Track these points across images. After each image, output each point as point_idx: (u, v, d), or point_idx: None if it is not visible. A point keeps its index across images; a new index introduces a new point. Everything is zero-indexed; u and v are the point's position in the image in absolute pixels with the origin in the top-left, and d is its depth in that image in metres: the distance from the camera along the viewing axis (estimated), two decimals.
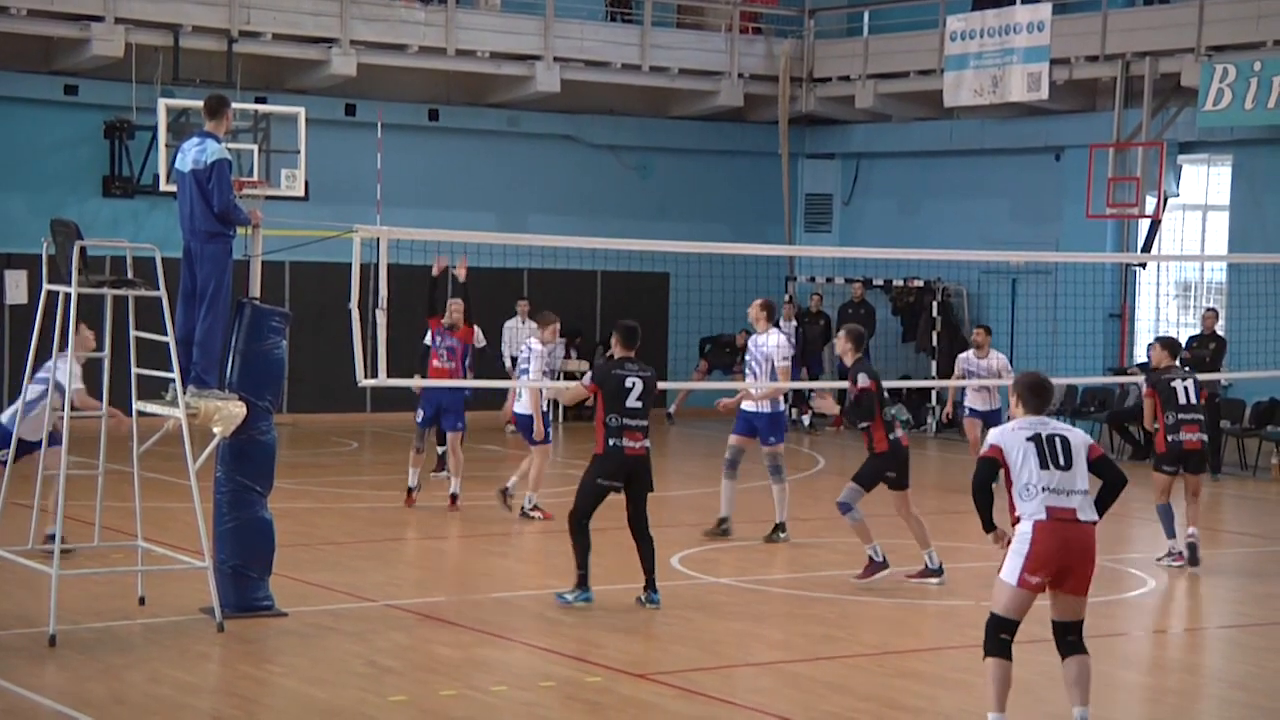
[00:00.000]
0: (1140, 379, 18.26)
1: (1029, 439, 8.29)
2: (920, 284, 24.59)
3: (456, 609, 11.24)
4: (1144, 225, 22.29)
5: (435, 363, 15.59)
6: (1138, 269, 22.96)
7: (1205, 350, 20.34)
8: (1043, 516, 8.13)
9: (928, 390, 24.21)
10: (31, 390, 11.50)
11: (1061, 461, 8.22)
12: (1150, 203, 21.68)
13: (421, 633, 10.55)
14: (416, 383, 15.07)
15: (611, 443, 11.34)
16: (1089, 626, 8.39)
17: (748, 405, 14.26)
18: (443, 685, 9.31)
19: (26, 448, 11.76)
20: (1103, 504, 8.36)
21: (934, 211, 25.23)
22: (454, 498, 15.53)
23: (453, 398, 15.59)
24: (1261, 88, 19.98)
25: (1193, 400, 13.47)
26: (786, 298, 25.42)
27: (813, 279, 25.96)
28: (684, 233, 22.55)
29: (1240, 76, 20.17)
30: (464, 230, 17.00)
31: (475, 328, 16.67)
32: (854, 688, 9.44)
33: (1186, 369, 13.82)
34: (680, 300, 24.42)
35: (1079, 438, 8.40)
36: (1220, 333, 20.70)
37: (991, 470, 8.29)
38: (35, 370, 11.32)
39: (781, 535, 14.14)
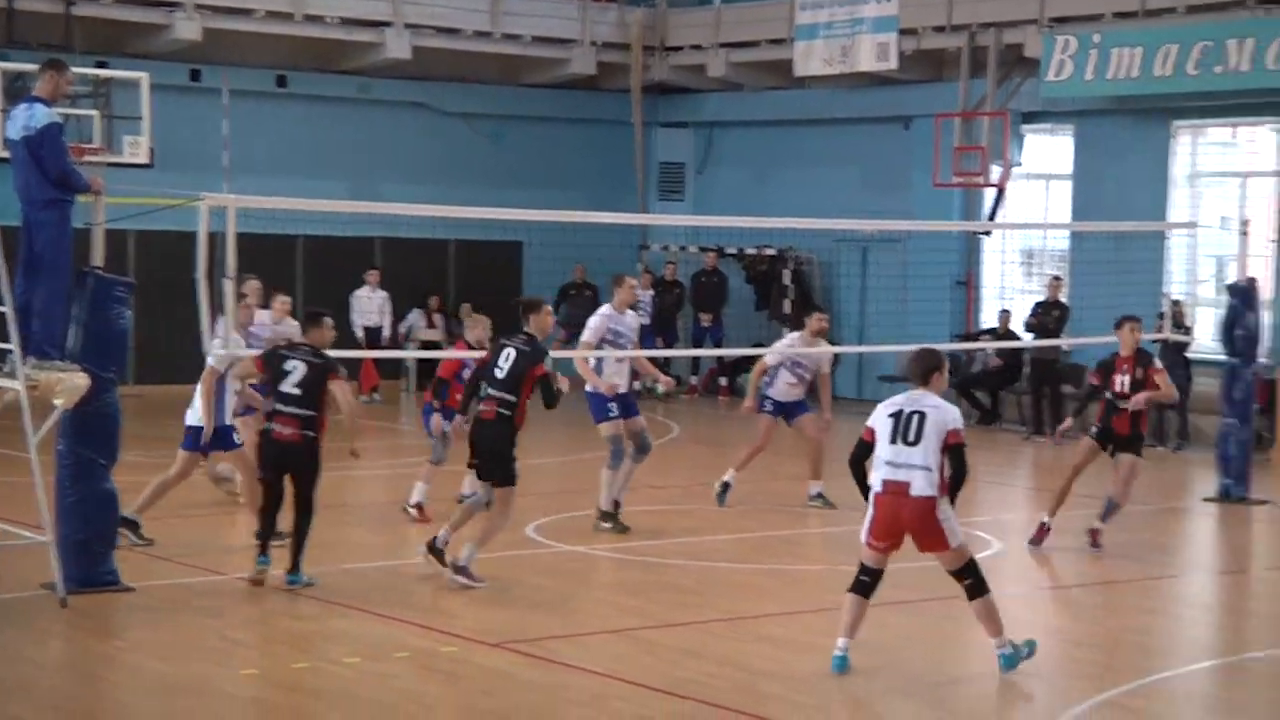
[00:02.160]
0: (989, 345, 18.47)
1: (890, 414, 8.83)
2: (773, 252, 24.75)
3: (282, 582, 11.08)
4: (989, 194, 22.64)
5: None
6: (983, 237, 23.32)
7: (1049, 317, 20.73)
8: (879, 489, 8.83)
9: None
10: None
11: (910, 438, 8.72)
12: (995, 171, 22.04)
13: (273, 605, 10.40)
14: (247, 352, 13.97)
15: (265, 427, 10.84)
16: (937, 588, 8.53)
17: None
18: (295, 658, 9.19)
19: None
20: (951, 491, 8.85)
21: (786, 180, 25.39)
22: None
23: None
24: (1102, 59, 20.36)
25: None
26: (642, 267, 25.46)
27: (666, 247, 26.01)
28: (537, 201, 22.40)
29: (1081, 48, 20.53)
30: (314, 199, 16.74)
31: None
32: (709, 653, 9.49)
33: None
34: (534, 269, 24.35)
35: (940, 419, 8.76)
36: (1063, 300, 21.10)
37: (864, 450, 8.95)
38: None
39: (604, 525, 13.20)
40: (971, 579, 8.99)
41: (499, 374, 10.94)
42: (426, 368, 24.55)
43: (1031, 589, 11.96)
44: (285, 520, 10.85)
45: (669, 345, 24.20)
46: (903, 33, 22.59)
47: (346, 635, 9.77)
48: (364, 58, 23.92)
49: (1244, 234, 16.46)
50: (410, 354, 23.75)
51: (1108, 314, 19.68)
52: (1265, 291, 19.06)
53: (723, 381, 24.95)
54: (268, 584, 10.76)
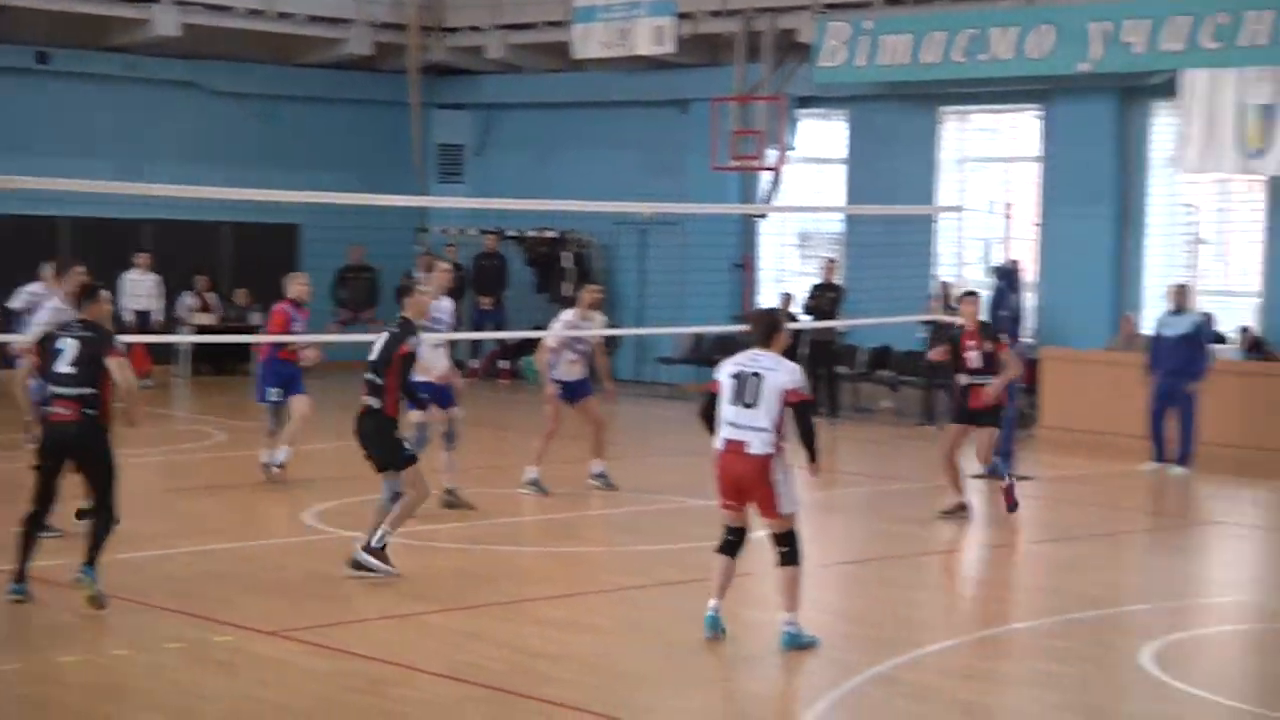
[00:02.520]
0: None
1: (732, 375, 9.16)
2: (553, 235, 24.78)
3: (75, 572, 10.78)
4: (766, 177, 22.98)
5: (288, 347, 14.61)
6: (760, 220, 23.66)
7: (825, 299, 21.14)
8: (721, 448, 9.14)
9: None
10: None
11: (748, 399, 9.05)
12: (771, 156, 22.37)
13: (38, 596, 10.08)
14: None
15: (42, 412, 10.07)
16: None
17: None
18: (61, 652, 8.93)
19: None
20: (809, 449, 9.20)
21: (566, 163, 25.43)
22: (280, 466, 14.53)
23: (298, 370, 14.79)
24: (873, 46, 20.81)
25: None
26: (422, 250, 25.28)
27: (445, 230, 25.86)
28: (313, 183, 22.04)
29: (853, 34, 20.96)
30: (77, 179, 16.24)
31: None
32: (488, 636, 9.48)
33: None
34: (311, 251, 24.00)
35: (776, 381, 9.05)
36: (838, 281, 21.53)
37: (711, 401, 9.23)
38: None
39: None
40: (789, 548, 9.26)
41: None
42: (201, 352, 24.09)
43: (809, 566, 12.18)
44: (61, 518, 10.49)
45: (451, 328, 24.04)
46: (680, 16, 22.79)
47: (116, 627, 9.52)
48: (131, 34, 23.28)
49: (1008, 217, 16.99)
50: (183, 338, 23.22)
51: (881, 296, 20.27)
52: (1029, 273, 19.72)
53: (503, 365, 24.92)
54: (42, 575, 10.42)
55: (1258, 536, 14.16)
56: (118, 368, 9.89)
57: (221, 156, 24.23)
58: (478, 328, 24.55)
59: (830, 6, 21.71)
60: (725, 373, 9.22)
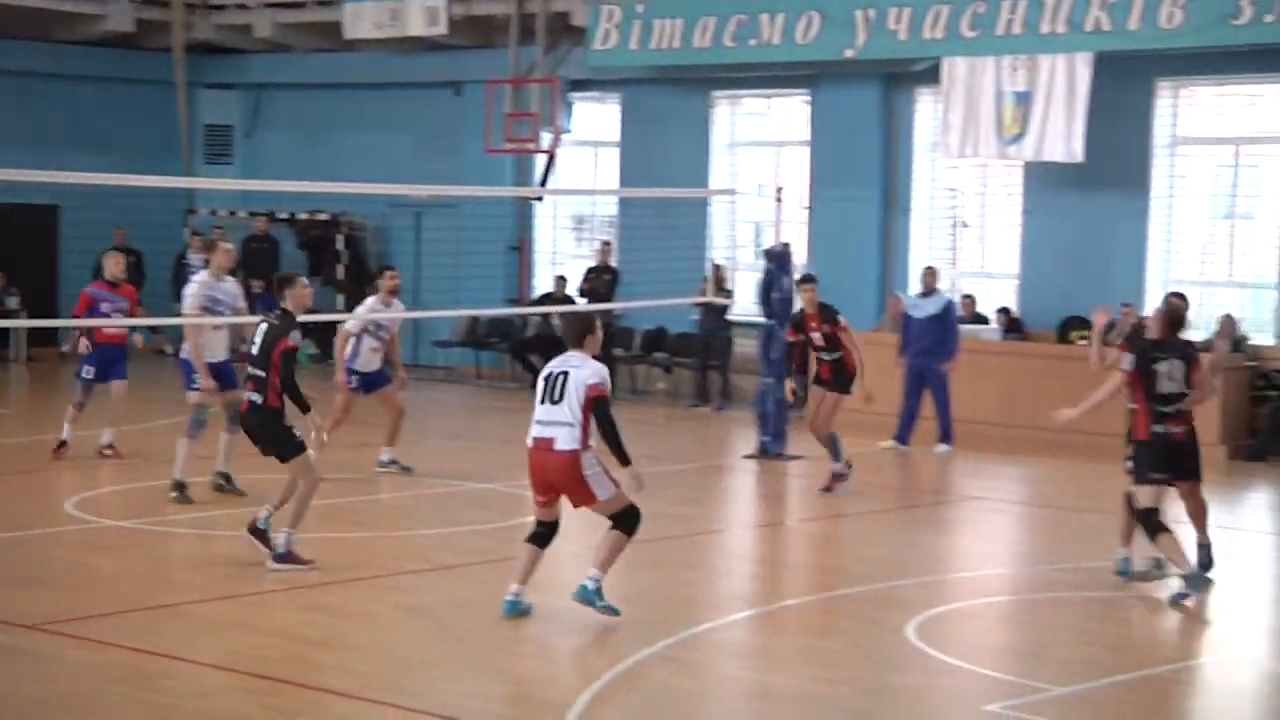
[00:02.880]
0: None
1: (545, 376, 9.38)
2: (326, 218, 24.44)
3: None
4: (541, 160, 22.97)
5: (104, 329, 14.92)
6: (535, 203, 23.66)
7: (600, 281, 21.23)
8: (531, 445, 9.36)
9: (335, 324, 24.12)
10: None
11: (556, 396, 9.27)
12: (546, 138, 22.36)
13: None
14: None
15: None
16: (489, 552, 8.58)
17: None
18: None
19: None
20: (613, 446, 9.27)
21: (338, 144, 25.09)
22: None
23: (119, 351, 15.20)
24: (644, 29, 20.95)
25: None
26: (190, 231, 24.72)
27: (214, 212, 25.31)
28: (74, 163, 21.35)
29: (626, 19, 21.07)
30: None
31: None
32: (261, 624, 9.34)
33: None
34: (72, 234, 23.28)
35: (580, 377, 9.26)
36: (613, 264, 21.64)
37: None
38: None
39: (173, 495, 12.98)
40: (622, 520, 9.47)
41: (252, 351, 10.73)
42: None
43: (584, 547, 12.24)
44: None
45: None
46: None
47: None
48: None
49: (779, 201, 17.27)
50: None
51: (655, 278, 20.42)
52: (799, 256, 20.08)
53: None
54: None
55: (1015, 511, 14.66)
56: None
57: None
58: (250, 311, 24.04)
59: None
60: (540, 379, 9.47)
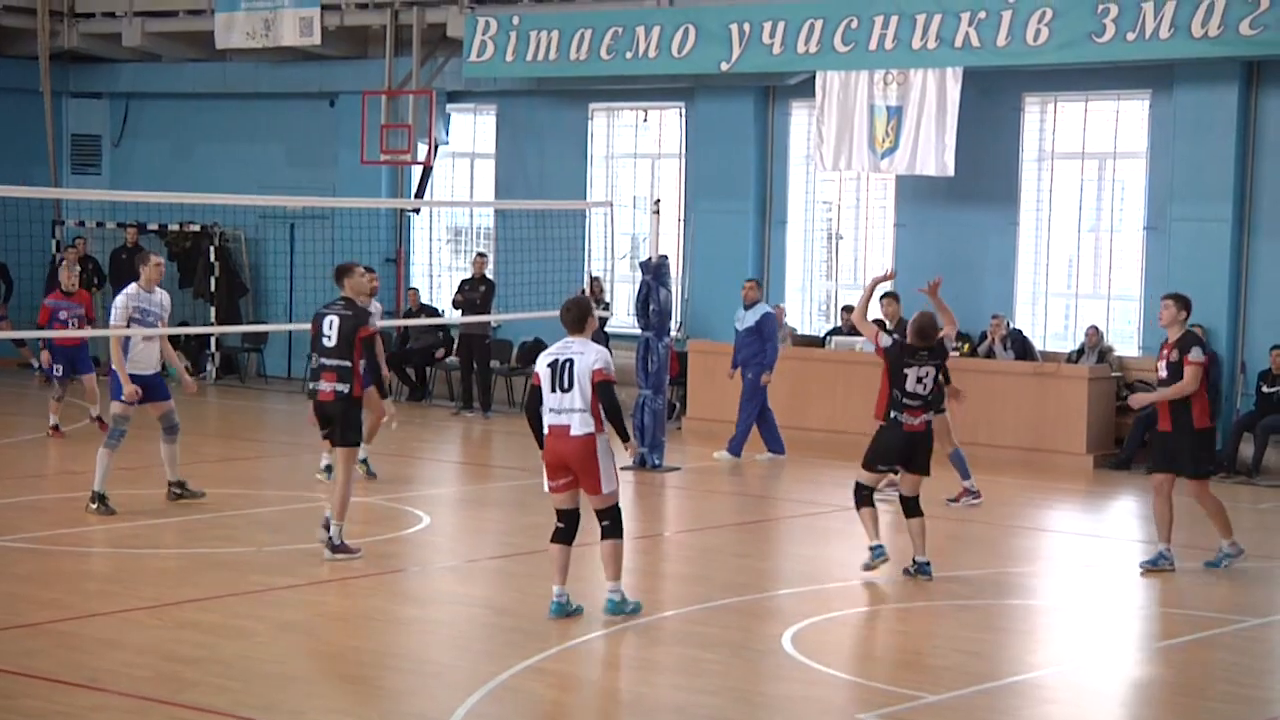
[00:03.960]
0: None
1: (549, 365, 9.75)
2: (197, 228, 24.14)
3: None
4: (417, 171, 22.88)
5: (62, 331, 16.95)
6: (412, 214, 23.56)
7: (476, 293, 21.18)
8: (547, 433, 9.77)
9: (206, 337, 23.88)
10: None
11: (565, 385, 9.70)
12: (422, 150, 22.27)
13: None
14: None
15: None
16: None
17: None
18: None
19: None
20: (616, 425, 9.81)
21: (210, 155, 24.81)
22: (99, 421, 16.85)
23: (80, 350, 17.37)
24: (521, 41, 20.95)
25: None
26: (58, 242, 24.29)
27: (82, 223, 24.90)
28: None
29: (501, 30, 21.06)
30: None
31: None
32: (130, 642, 9.20)
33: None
34: None
35: (585, 363, 9.71)
36: (490, 276, 21.60)
37: (537, 396, 9.79)
38: None
39: (93, 506, 13.00)
40: (610, 521, 9.92)
41: (330, 343, 11.33)
42: None
43: (461, 561, 12.22)
44: None
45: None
46: (325, 8, 22.51)
47: None
48: None
49: (656, 213, 17.35)
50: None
51: (533, 290, 20.44)
52: (676, 268, 20.19)
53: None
54: None
55: (888, 520, 14.81)
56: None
57: None
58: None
59: (478, 2, 21.76)
60: (541, 364, 9.80)
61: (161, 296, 13.36)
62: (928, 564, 11.55)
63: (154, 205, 23.04)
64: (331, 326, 11.44)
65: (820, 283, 21.15)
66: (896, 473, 11.76)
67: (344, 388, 11.35)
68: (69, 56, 25.10)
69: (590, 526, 10.15)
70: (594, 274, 19.92)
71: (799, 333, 20.44)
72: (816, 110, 19.41)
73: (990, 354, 18.64)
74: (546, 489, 10.03)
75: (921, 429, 11.54)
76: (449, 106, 23.09)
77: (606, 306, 19.86)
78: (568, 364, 9.73)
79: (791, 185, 21.04)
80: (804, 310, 21.16)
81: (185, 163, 24.91)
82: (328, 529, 11.47)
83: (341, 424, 11.41)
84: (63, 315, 17.16)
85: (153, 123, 25.62)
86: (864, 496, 11.57)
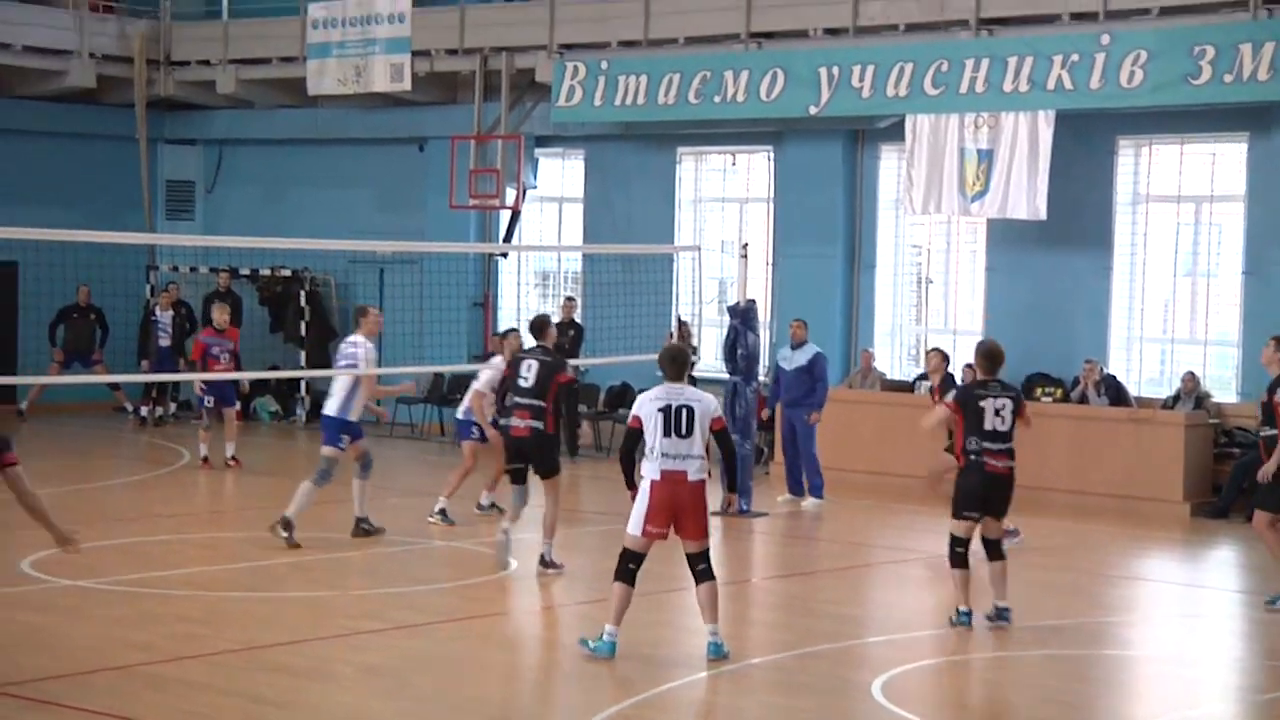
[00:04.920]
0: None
1: (660, 409, 9.92)
2: (288, 273, 24.43)
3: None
4: (505, 216, 23.03)
5: (216, 366, 18.57)
6: (499, 258, 23.70)
7: (564, 338, 21.23)
8: (657, 477, 9.90)
9: (297, 381, 24.12)
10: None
11: (684, 430, 9.89)
12: (510, 194, 22.42)
13: None
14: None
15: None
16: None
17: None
18: None
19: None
20: (728, 473, 10.40)
21: (300, 200, 25.12)
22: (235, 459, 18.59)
23: (229, 385, 19.21)
24: (609, 86, 21.05)
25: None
26: (152, 287, 24.65)
27: (176, 268, 25.28)
28: (34, 218, 21.33)
29: (590, 75, 21.18)
30: None
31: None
32: (219, 685, 9.27)
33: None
34: (32, 290, 23.18)
35: (704, 408, 9.99)
36: (578, 320, 21.67)
37: (635, 439, 10.00)
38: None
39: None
40: (707, 564, 10.09)
41: (527, 384, 12.34)
42: None
43: (548, 606, 12.21)
44: None
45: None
46: (416, 54, 22.75)
47: None
48: None
49: (744, 257, 17.34)
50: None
51: (620, 334, 20.49)
52: (764, 312, 20.15)
53: (236, 406, 24.33)
54: None
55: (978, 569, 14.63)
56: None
57: None
58: (237, 366, 23.97)
59: (567, 47, 21.92)
60: (651, 408, 9.97)
61: (369, 345, 14.53)
62: (1007, 610, 11.36)
63: (246, 250, 23.34)
64: (530, 370, 12.60)
65: (909, 328, 21.03)
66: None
67: (539, 424, 12.48)
68: (164, 104, 25.54)
69: (658, 572, 10.11)
70: (681, 318, 19.92)
71: (888, 377, 20.32)
72: (906, 153, 19.34)
73: (1083, 399, 18.44)
74: (638, 531, 9.98)
75: (1006, 472, 11.28)
76: (537, 151, 23.25)
77: (694, 351, 19.84)
78: (685, 410, 9.90)
79: (880, 229, 20.96)
80: (893, 355, 21.05)
81: (277, 208, 25.24)
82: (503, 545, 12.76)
83: (539, 458, 12.54)
84: (215, 350, 18.76)
85: (245, 169, 26.00)
86: (959, 556, 11.30)
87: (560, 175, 23.59)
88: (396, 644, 10.54)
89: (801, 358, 17.55)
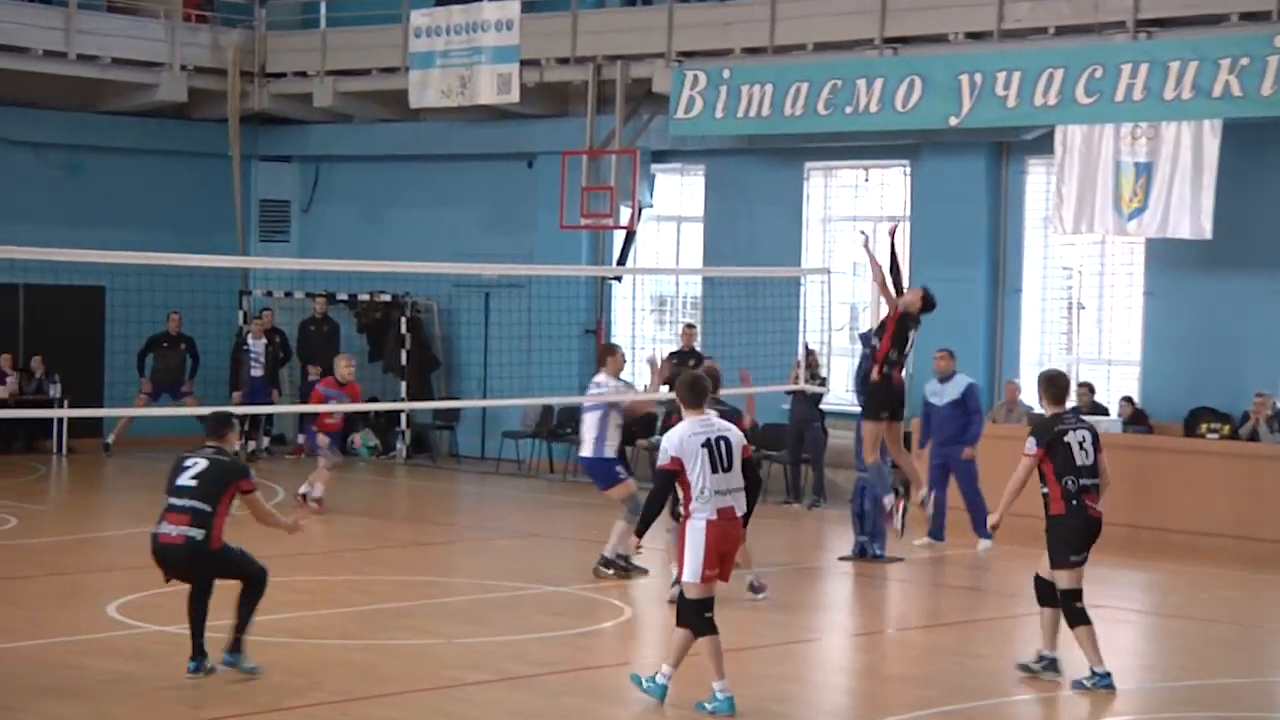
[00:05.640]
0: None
1: (703, 445, 9.89)
2: (388, 298, 24.68)
3: None
4: (619, 236, 23.12)
5: (327, 422, 19.09)
6: (613, 282, 23.78)
7: (685, 367, 21.23)
8: (714, 517, 9.90)
9: (397, 414, 24.35)
10: None
11: (726, 464, 9.94)
12: (625, 213, 22.51)
13: None
14: None
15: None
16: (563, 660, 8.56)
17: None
18: None
19: None
20: (750, 504, 10.18)
21: (401, 220, 25.38)
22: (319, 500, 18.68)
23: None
24: (731, 96, 21.08)
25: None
26: (245, 313, 25.02)
27: (269, 293, 25.64)
28: (121, 241, 21.82)
29: (711, 84, 21.23)
30: None
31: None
32: None
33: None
34: (119, 317, 23.63)
35: (736, 437, 10.07)
36: (698, 348, 21.67)
37: (672, 481, 9.99)
38: None
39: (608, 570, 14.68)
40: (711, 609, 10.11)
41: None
42: None
43: (661, 658, 12.19)
44: None
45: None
46: (524, 64, 22.93)
47: None
48: None
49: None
50: None
51: (743, 364, 20.44)
52: None
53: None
54: None
55: (1140, 622, 14.43)
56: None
57: (15, 212, 23.81)
58: (306, 399, 24.28)
59: (686, 55, 21.98)
60: (694, 445, 9.91)
61: (609, 378, 15.06)
62: (1057, 660, 11.23)
63: (343, 274, 23.64)
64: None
65: (1058, 356, 20.79)
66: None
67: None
68: (258, 118, 25.96)
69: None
70: (809, 346, 19.86)
71: (1034, 411, 20.08)
72: (1056, 168, 19.17)
73: (1254, 436, 18.12)
74: (697, 578, 9.94)
75: (1100, 515, 11.19)
76: (654, 167, 23.33)
77: (823, 381, 19.78)
78: (723, 441, 9.96)
79: (1027, 250, 20.77)
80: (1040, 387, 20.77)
81: (376, 229, 25.53)
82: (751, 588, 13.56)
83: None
84: (333, 403, 18.72)
85: (343, 187, 26.33)
86: (1079, 612, 11.05)
87: (679, 193, 23.64)
88: (502, 696, 10.58)
89: (953, 391, 17.44)
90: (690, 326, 21.99)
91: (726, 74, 21.16)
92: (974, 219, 20.71)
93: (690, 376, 10.35)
